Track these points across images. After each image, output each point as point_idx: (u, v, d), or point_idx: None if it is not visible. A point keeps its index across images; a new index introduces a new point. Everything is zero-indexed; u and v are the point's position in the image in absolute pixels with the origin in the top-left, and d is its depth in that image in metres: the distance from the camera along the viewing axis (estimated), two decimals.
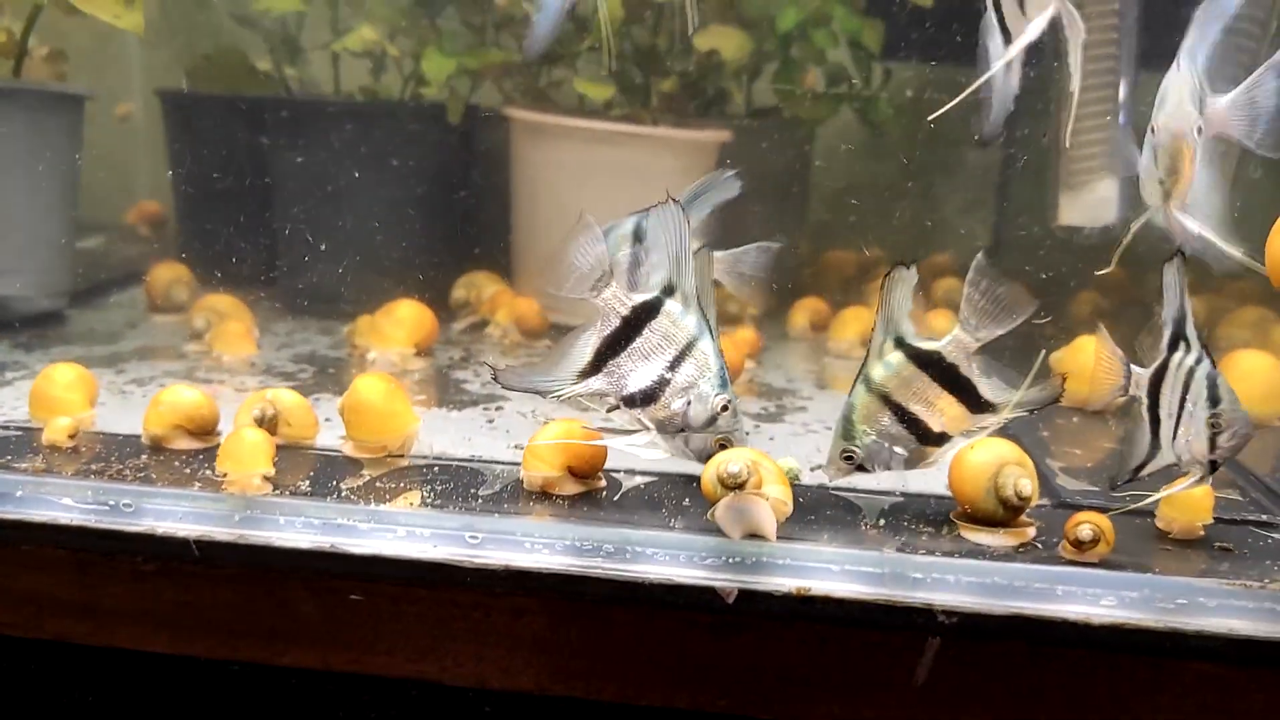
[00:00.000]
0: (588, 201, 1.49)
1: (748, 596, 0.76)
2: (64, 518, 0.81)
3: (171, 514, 0.81)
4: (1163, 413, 0.81)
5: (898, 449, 0.83)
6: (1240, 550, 0.81)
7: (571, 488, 0.85)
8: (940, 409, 0.82)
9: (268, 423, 0.90)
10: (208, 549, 0.80)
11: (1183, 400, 0.79)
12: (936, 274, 1.58)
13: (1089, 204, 1.27)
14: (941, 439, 0.83)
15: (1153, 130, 0.86)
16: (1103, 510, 0.86)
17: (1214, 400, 0.77)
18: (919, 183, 1.55)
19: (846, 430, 0.83)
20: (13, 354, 1.19)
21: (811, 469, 0.94)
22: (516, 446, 0.97)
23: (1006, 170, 1.53)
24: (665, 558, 0.78)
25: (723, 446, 0.85)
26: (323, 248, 1.41)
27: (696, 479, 0.83)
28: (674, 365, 0.82)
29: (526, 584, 0.78)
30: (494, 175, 1.47)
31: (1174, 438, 0.80)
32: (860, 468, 0.84)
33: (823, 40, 1.44)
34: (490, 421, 1.05)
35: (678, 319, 0.82)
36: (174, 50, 1.55)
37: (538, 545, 0.79)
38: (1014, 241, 1.53)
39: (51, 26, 1.28)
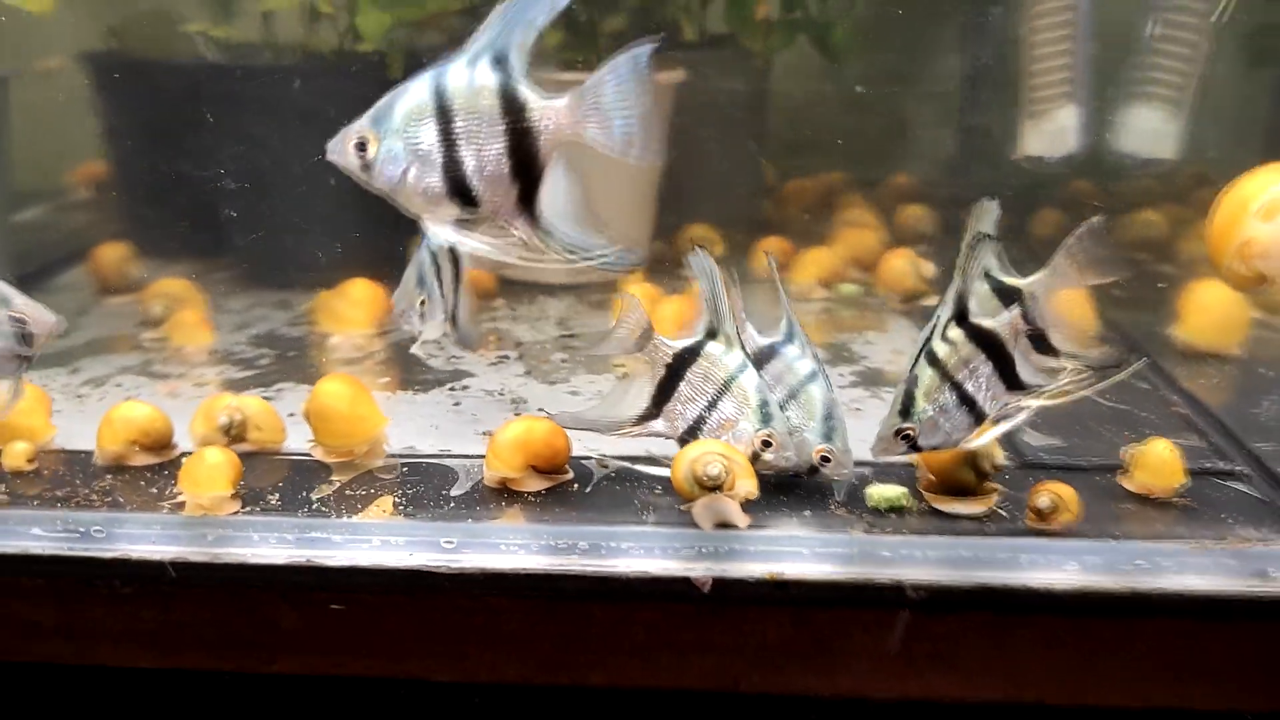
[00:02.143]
0: None
1: (723, 585, 0.77)
2: (35, 547, 0.81)
3: (144, 537, 0.81)
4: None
5: (948, 426, 0.81)
6: (1202, 506, 0.83)
7: (535, 484, 0.85)
8: (989, 388, 0.80)
9: (235, 429, 0.90)
10: (184, 569, 0.80)
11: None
12: (901, 200, 1.57)
13: (1049, 134, 1.26)
14: (982, 417, 0.81)
15: None
16: (1065, 469, 0.88)
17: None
18: (880, 108, 1.53)
19: (906, 406, 0.81)
20: None
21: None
22: (485, 433, 0.96)
23: (966, 96, 1.50)
24: (640, 551, 0.79)
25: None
26: (268, 215, 1.37)
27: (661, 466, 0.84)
28: (713, 404, 0.84)
29: (504, 585, 0.79)
30: None
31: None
32: (914, 446, 0.82)
33: None
34: (456, 404, 1.05)
35: (718, 359, 0.84)
36: (98, 14, 1.47)
37: (513, 546, 0.80)
38: (977, 163, 1.52)
39: None
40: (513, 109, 0.71)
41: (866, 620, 0.79)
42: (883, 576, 0.77)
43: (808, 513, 0.83)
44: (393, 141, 0.71)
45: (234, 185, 1.36)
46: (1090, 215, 0.81)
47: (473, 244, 0.80)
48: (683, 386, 0.85)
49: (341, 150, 0.72)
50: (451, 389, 1.08)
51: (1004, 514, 0.82)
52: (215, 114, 1.35)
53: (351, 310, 1.17)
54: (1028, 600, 0.76)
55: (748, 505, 0.80)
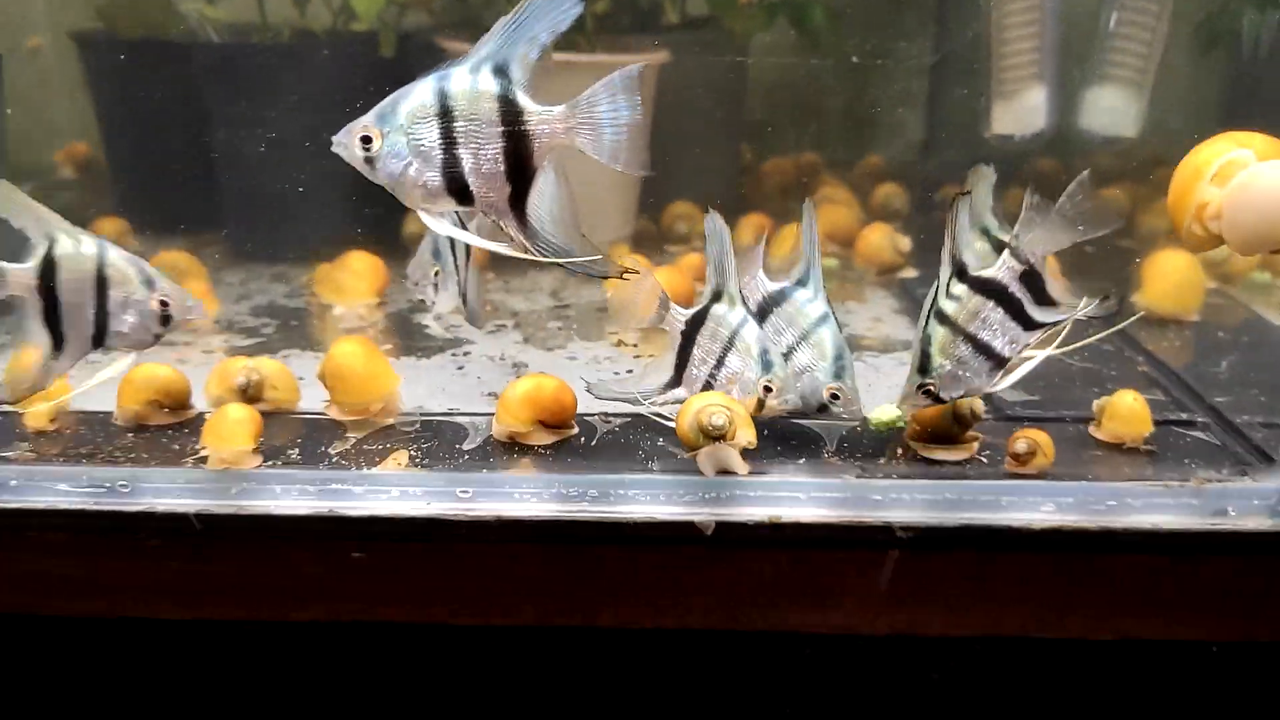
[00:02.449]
0: None
1: (724, 528, 0.82)
2: (63, 503, 0.84)
3: (169, 491, 0.84)
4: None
5: (969, 375, 0.85)
6: (1166, 452, 0.90)
7: (543, 438, 0.89)
8: (1003, 333, 0.84)
9: (252, 389, 0.93)
10: (208, 521, 0.83)
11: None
12: (876, 179, 1.63)
13: (1019, 112, 1.32)
14: (1004, 362, 0.85)
15: None
16: (1038, 420, 0.94)
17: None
18: (856, 88, 1.58)
19: (924, 364, 0.85)
20: None
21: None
22: (491, 394, 1.01)
23: (939, 75, 1.56)
24: (646, 498, 0.84)
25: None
26: (264, 189, 1.39)
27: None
28: (721, 361, 0.89)
29: (519, 532, 0.83)
30: None
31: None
32: (937, 399, 0.86)
33: None
34: (460, 368, 1.09)
35: (723, 318, 0.88)
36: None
37: (526, 495, 0.84)
38: (952, 143, 1.58)
39: None
40: (510, 114, 0.76)
41: (859, 560, 0.84)
42: (873, 518, 0.82)
43: (803, 460, 0.88)
44: (396, 138, 0.75)
45: (226, 162, 1.39)
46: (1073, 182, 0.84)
47: (465, 237, 0.86)
48: (696, 350, 0.90)
49: (347, 144, 0.76)
50: (454, 355, 1.12)
51: (984, 461, 0.88)
52: (204, 91, 1.37)
53: (352, 281, 1.21)
54: (1007, 538, 0.82)
55: (747, 454, 0.86)
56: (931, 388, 0.85)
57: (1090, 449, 0.91)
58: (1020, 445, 0.84)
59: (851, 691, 0.90)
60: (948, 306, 0.84)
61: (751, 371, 0.88)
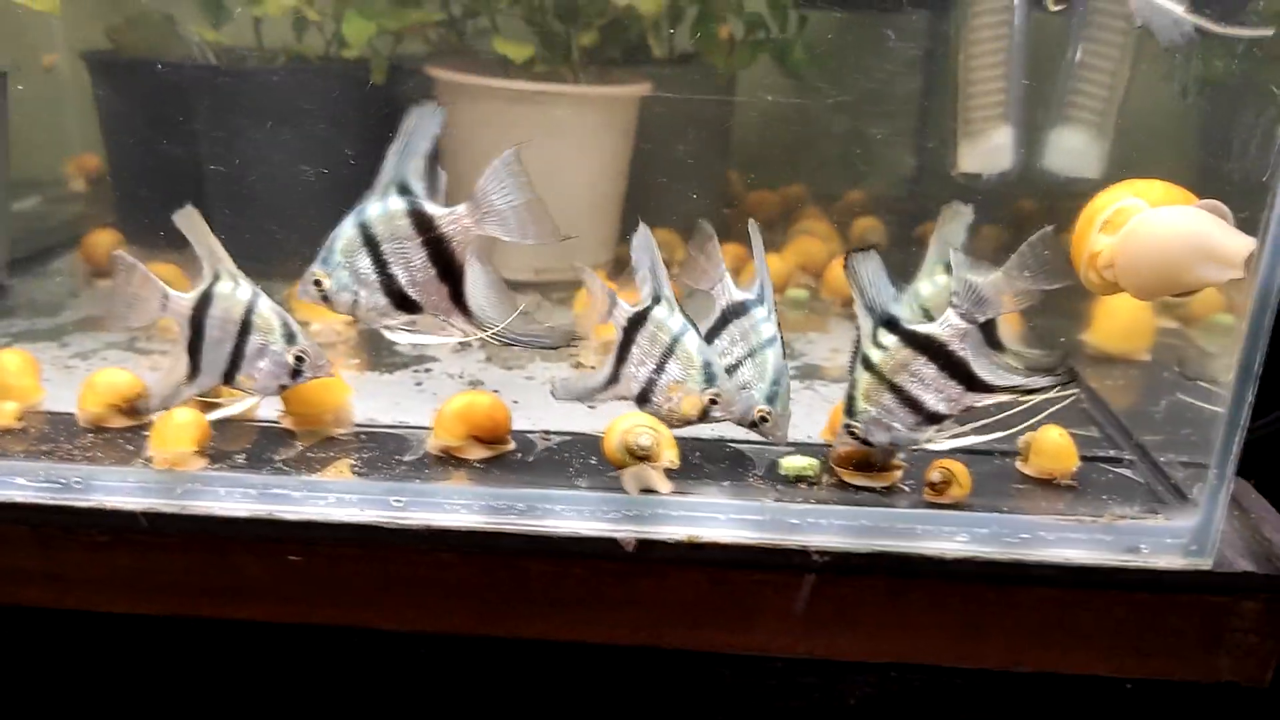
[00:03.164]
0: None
1: (646, 545, 0.85)
2: (19, 496, 0.89)
3: (119, 489, 0.88)
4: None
5: (897, 425, 0.86)
6: (1088, 488, 0.92)
7: (478, 453, 0.93)
8: (937, 389, 0.85)
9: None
10: (155, 520, 0.87)
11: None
12: (856, 213, 1.66)
13: (985, 152, 1.34)
14: (941, 418, 0.86)
15: None
16: (969, 452, 0.96)
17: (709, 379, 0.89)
18: (840, 124, 1.61)
19: (849, 406, 0.87)
20: None
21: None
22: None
23: (922, 116, 1.59)
24: (572, 513, 0.87)
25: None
26: (252, 208, 1.45)
27: (598, 438, 0.92)
28: (661, 366, 0.91)
29: (448, 541, 0.87)
30: None
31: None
32: (864, 441, 0.87)
33: None
34: (419, 385, 1.12)
35: (662, 322, 0.91)
36: (97, 12, 1.55)
37: (456, 506, 0.87)
38: (931, 180, 1.61)
39: None
40: (423, 225, 0.84)
41: (776, 581, 0.86)
42: (790, 541, 0.85)
43: (727, 483, 0.90)
44: (340, 275, 0.85)
45: (219, 179, 1.45)
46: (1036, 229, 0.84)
47: (425, 339, 0.92)
48: (634, 350, 0.91)
49: (306, 290, 0.86)
50: (415, 371, 1.16)
51: (906, 489, 0.90)
52: (204, 112, 1.43)
53: None
54: (921, 566, 0.84)
55: (672, 474, 0.88)
56: (855, 430, 0.87)
57: (1015, 482, 0.93)
58: (935, 475, 0.86)
59: (768, 714, 0.92)
60: (874, 355, 0.86)
61: (694, 382, 0.90)
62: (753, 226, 0.98)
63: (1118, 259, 0.79)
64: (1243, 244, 0.76)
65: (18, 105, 1.50)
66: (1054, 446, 0.92)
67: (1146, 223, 0.78)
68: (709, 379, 0.90)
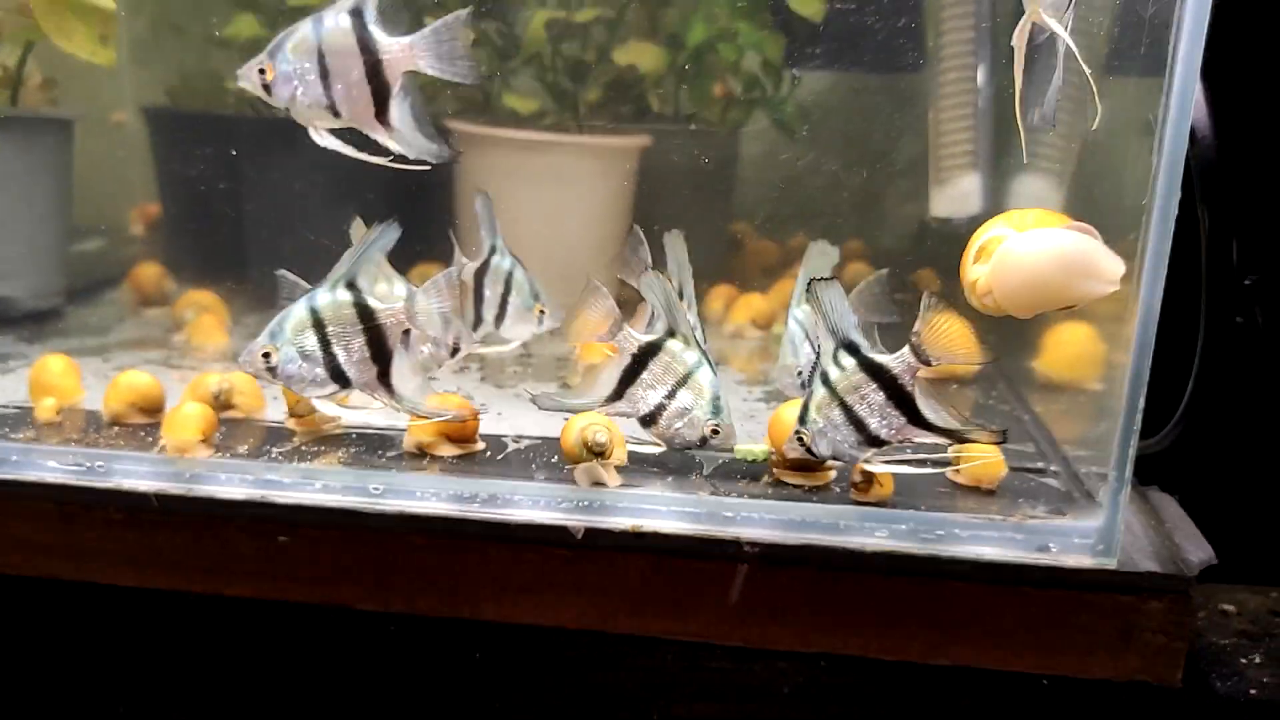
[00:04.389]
0: (521, 203, 1.68)
1: (593, 533, 0.93)
2: (50, 477, 1.01)
3: (135, 473, 1.00)
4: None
5: (840, 441, 0.92)
6: (1009, 494, 0.98)
7: (448, 450, 1.03)
8: (882, 416, 0.91)
9: (224, 395, 1.09)
10: (165, 500, 0.99)
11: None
12: (850, 259, 1.75)
13: (954, 197, 1.43)
14: (881, 442, 0.92)
15: None
16: (903, 462, 1.03)
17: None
18: (831, 177, 1.71)
19: (803, 414, 0.93)
20: (16, 346, 1.39)
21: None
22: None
23: (912, 167, 1.68)
24: (529, 503, 0.96)
25: (714, 432, 0.99)
26: (288, 248, 1.59)
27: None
28: (673, 393, 0.99)
29: (418, 526, 0.96)
30: (440, 180, 1.64)
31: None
32: (809, 450, 0.93)
33: (728, 52, 1.60)
34: None
35: (677, 354, 0.99)
36: (157, 71, 1.73)
37: (427, 495, 0.97)
38: (923, 229, 1.69)
39: (51, 51, 1.47)
40: (365, 315, 0.99)
41: (711, 571, 0.94)
42: (723, 533, 0.93)
43: (670, 479, 0.99)
44: (287, 349, 0.98)
45: (258, 222, 1.60)
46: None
47: (353, 415, 1.07)
48: (645, 375, 1.00)
49: (251, 360, 0.99)
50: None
51: (837, 489, 0.98)
52: (245, 161, 1.59)
53: None
54: (844, 559, 0.91)
55: (625, 470, 0.97)
56: (803, 437, 0.93)
57: (942, 486, 0.99)
58: (857, 475, 0.94)
59: (706, 699, 0.99)
60: (832, 373, 0.92)
61: (700, 411, 0.98)
62: (671, 237, 1.07)
63: (994, 285, 0.87)
64: (1118, 263, 0.84)
65: (92, 156, 1.68)
66: (985, 456, 0.99)
67: (1012, 250, 0.86)
68: (716, 411, 0.98)
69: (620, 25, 1.63)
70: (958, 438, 0.91)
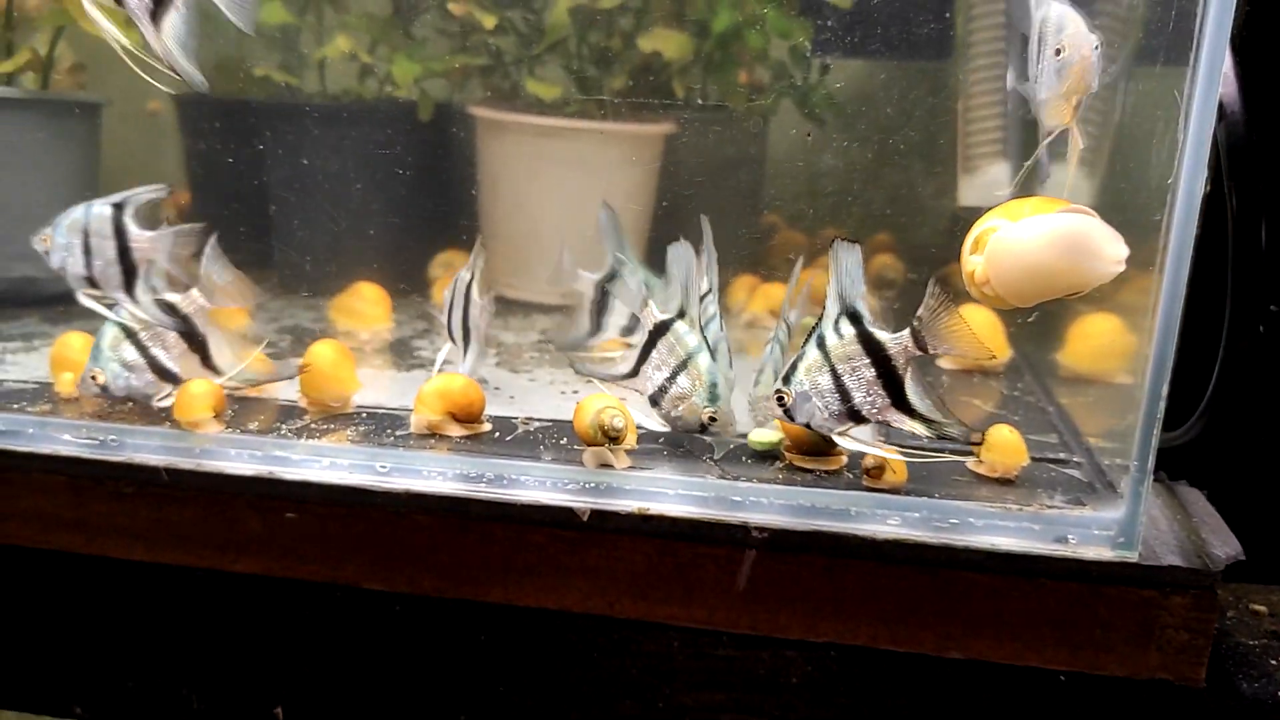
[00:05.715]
0: (543, 190, 1.67)
1: (600, 515, 0.92)
2: (64, 450, 1.02)
3: (146, 447, 1.01)
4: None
5: (821, 408, 0.91)
6: (1029, 484, 0.95)
7: (455, 430, 1.02)
8: (867, 392, 0.89)
9: None
10: (175, 475, 0.99)
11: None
12: (881, 251, 1.72)
13: (983, 186, 1.40)
14: (860, 419, 0.90)
15: (1058, 51, 0.93)
16: (922, 449, 1.01)
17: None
18: (859, 166, 1.69)
19: (788, 375, 0.91)
20: (41, 326, 1.41)
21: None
22: None
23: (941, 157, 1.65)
24: (535, 484, 0.95)
25: (711, 419, 0.98)
26: (311, 234, 1.60)
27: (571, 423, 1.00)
28: (673, 377, 0.98)
29: (424, 505, 0.96)
30: (462, 166, 1.64)
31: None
32: (787, 413, 0.92)
33: (755, 40, 1.58)
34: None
35: (681, 337, 0.98)
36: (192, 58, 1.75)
37: (433, 474, 0.97)
38: (951, 220, 1.66)
39: (89, 39, 1.49)
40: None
41: (718, 556, 0.92)
42: (732, 517, 0.91)
43: (680, 462, 0.97)
44: (111, 366, 1.06)
45: (283, 203, 1.61)
46: None
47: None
48: (654, 353, 0.99)
49: (87, 385, 1.06)
50: (429, 371, 1.26)
51: (849, 475, 0.95)
52: (272, 146, 1.60)
53: (372, 309, 1.38)
54: (855, 546, 0.89)
55: (633, 452, 0.96)
56: (785, 397, 0.91)
57: (960, 475, 0.97)
58: (869, 460, 0.91)
59: (711, 687, 0.97)
60: (829, 338, 0.91)
61: (698, 397, 0.97)
62: (684, 246, 1.03)
63: (990, 275, 0.84)
64: (1119, 242, 0.81)
65: (126, 143, 1.69)
66: (1004, 442, 0.96)
67: (1005, 239, 0.83)
68: (713, 399, 0.97)
69: (645, 12, 1.62)
70: (935, 431, 0.89)
